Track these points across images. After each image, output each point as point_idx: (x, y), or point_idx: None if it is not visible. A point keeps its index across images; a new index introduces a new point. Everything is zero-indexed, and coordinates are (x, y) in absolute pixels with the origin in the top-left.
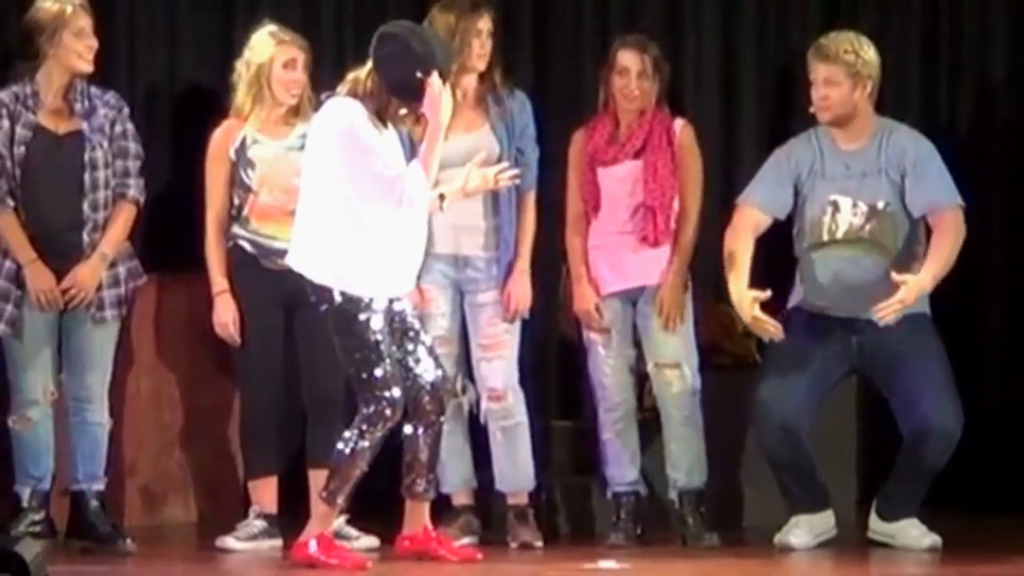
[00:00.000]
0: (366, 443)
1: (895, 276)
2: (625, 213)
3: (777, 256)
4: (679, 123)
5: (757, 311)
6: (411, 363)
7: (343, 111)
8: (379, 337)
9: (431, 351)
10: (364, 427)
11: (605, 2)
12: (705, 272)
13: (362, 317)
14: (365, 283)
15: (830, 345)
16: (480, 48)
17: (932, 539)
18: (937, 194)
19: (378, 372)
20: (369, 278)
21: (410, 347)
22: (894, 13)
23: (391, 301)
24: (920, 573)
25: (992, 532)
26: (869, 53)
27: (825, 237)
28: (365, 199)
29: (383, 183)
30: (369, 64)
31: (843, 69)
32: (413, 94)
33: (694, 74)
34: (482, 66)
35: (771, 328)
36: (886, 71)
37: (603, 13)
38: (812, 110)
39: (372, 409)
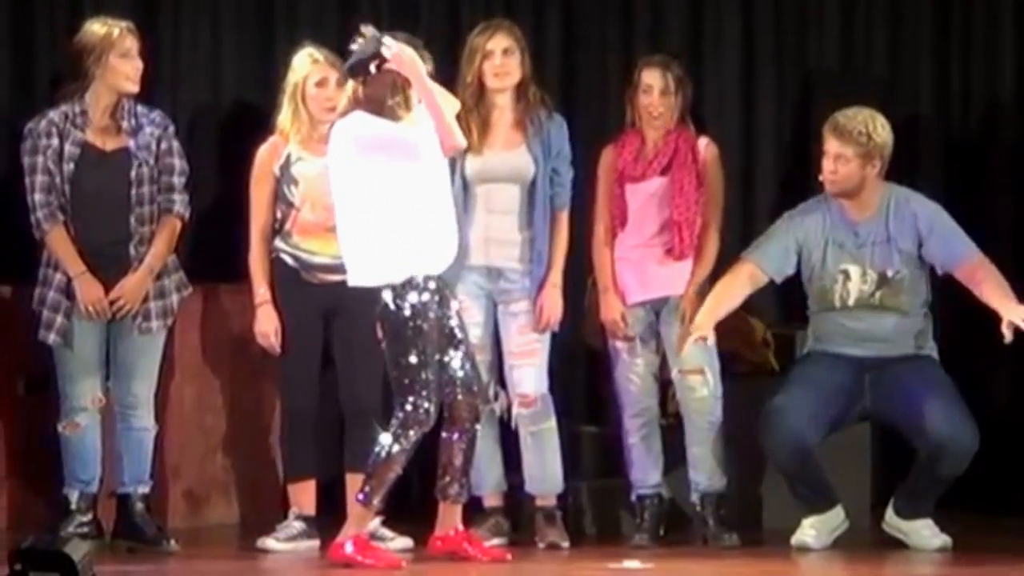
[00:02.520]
0: (401, 447)
1: (1005, 329)
2: (651, 227)
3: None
4: (703, 141)
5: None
6: (451, 371)
7: (349, 121)
8: (427, 346)
9: (473, 361)
10: (399, 431)
11: (629, 25)
12: None
13: (413, 324)
14: (417, 262)
15: (845, 377)
16: (496, 67)
17: (942, 540)
18: (962, 252)
19: (420, 378)
20: (419, 256)
21: (453, 355)
22: (907, 28)
23: (443, 310)
24: (931, 573)
25: (1002, 533)
26: (882, 134)
27: (837, 304)
28: (403, 179)
29: (413, 141)
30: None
31: (853, 148)
32: (368, 67)
33: (715, 93)
34: (501, 84)
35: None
36: (897, 86)
37: (628, 36)
38: (821, 179)
39: (409, 414)
